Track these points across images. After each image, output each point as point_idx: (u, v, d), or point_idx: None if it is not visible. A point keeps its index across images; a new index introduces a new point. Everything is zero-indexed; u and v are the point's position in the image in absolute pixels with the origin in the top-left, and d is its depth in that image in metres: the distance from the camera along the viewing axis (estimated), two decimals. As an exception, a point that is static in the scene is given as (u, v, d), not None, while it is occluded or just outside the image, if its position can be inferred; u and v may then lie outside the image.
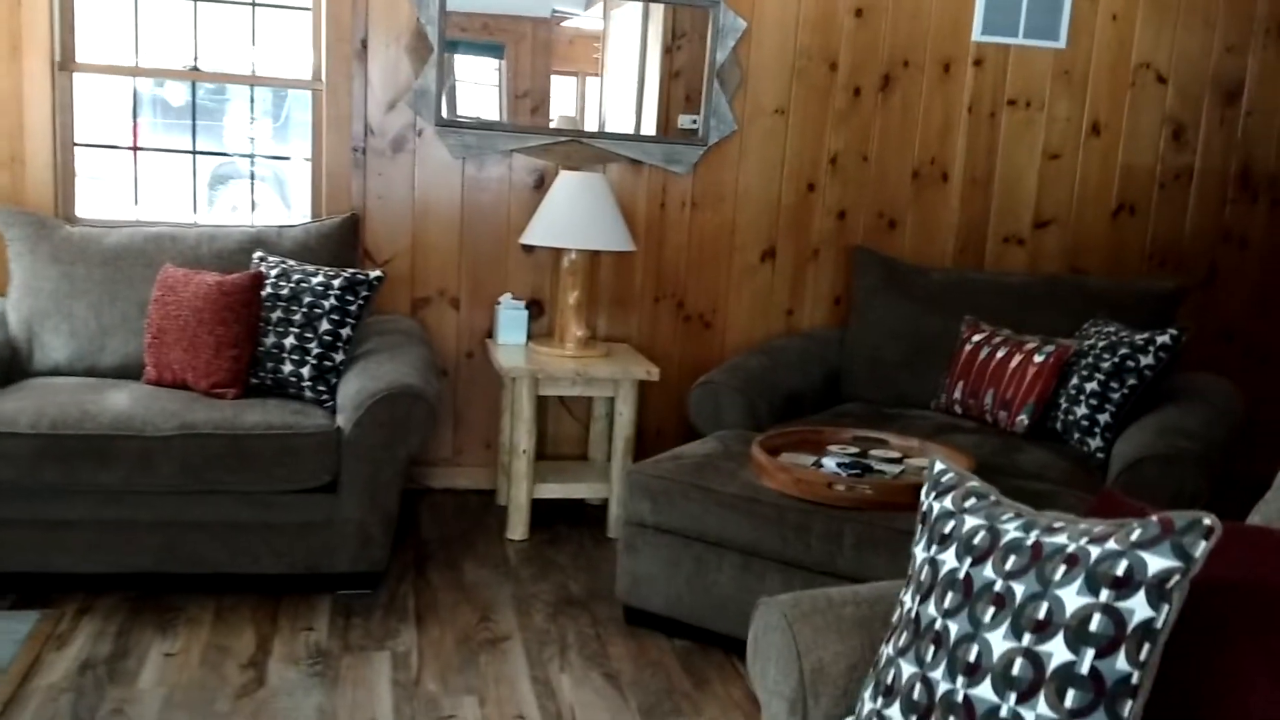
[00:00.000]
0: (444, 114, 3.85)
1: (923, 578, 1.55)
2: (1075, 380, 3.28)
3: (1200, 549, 1.32)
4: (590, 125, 4.00)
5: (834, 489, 2.74)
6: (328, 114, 3.82)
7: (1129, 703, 1.32)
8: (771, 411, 3.46)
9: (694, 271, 4.15)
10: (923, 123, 4.20)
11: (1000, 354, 3.46)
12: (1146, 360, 3.18)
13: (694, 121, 4.08)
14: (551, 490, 3.72)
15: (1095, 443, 3.18)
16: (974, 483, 1.61)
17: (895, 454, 3.09)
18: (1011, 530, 1.48)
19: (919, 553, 1.59)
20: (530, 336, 3.96)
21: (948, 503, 1.59)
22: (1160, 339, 3.19)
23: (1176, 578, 1.32)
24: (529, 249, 4.01)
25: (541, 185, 3.99)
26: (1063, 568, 1.39)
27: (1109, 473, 3.04)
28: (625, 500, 2.98)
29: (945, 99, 4.20)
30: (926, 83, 4.17)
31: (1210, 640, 1.39)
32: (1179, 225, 4.43)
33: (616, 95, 4.03)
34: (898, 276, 3.91)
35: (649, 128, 4.02)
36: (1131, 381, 3.18)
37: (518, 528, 3.65)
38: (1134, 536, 1.36)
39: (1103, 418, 3.18)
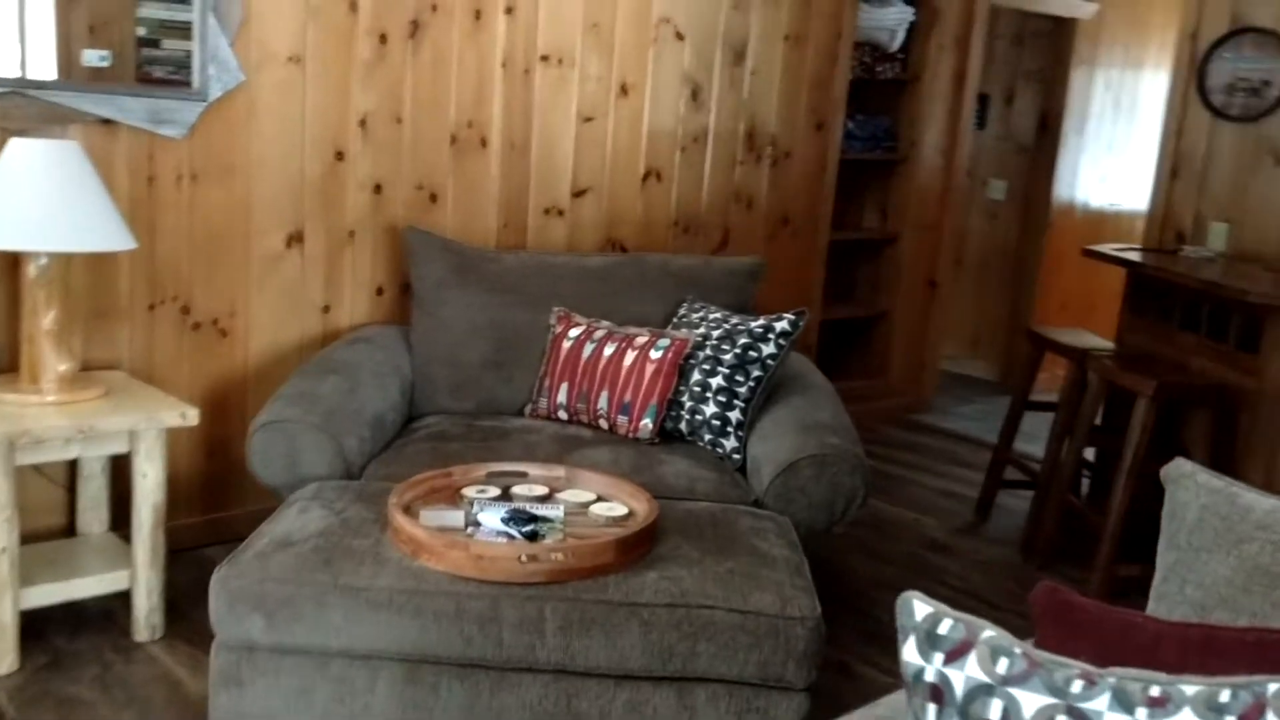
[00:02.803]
0: None
1: (980, 791, 1.10)
2: (698, 376, 2.99)
3: (1386, 715, 1.03)
4: None
5: (523, 562, 2.16)
6: None
7: None
8: (361, 447, 2.73)
9: (201, 266, 3.18)
10: (458, 79, 3.60)
11: (609, 350, 3.06)
12: (769, 350, 2.98)
13: (102, 59, 3.08)
14: (46, 594, 2.62)
15: (730, 443, 2.93)
16: (990, 631, 1.18)
17: (542, 489, 2.57)
18: (1106, 711, 1.08)
19: (949, 748, 1.13)
20: (-26, 376, 2.75)
21: (974, 670, 1.14)
22: (779, 325, 3.01)
23: (1369, 758, 1.02)
24: (-49, 247, 2.77)
25: (-37, 155, 2.76)
26: (1228, 769, 1.02)
27: (755, 476, 2.80)
28: (220, 618, 2.12)
29: (479, 52, 3.64)
30: (458, 32, 3.58)
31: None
32: (698, 189, 4.36)
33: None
34: (465, 263, 3.31)
35: (44, 70, 2.88)
36: (757, 374, 2.97)
37: (4, 658, 2.53)
38: (1306, 711, 1.03)
39: (734, 415, 2.94)
